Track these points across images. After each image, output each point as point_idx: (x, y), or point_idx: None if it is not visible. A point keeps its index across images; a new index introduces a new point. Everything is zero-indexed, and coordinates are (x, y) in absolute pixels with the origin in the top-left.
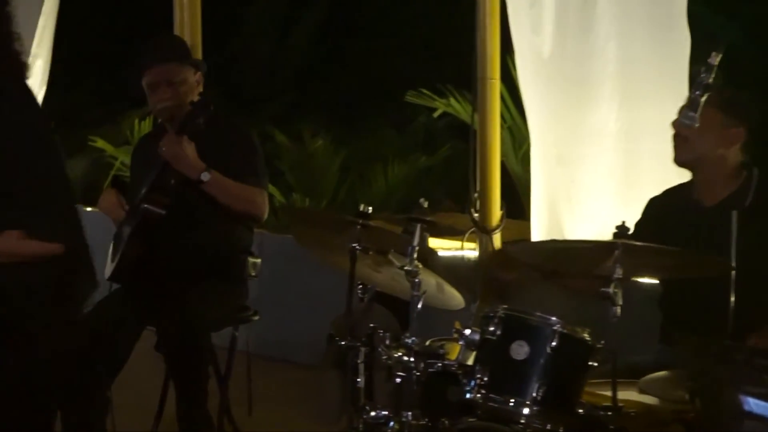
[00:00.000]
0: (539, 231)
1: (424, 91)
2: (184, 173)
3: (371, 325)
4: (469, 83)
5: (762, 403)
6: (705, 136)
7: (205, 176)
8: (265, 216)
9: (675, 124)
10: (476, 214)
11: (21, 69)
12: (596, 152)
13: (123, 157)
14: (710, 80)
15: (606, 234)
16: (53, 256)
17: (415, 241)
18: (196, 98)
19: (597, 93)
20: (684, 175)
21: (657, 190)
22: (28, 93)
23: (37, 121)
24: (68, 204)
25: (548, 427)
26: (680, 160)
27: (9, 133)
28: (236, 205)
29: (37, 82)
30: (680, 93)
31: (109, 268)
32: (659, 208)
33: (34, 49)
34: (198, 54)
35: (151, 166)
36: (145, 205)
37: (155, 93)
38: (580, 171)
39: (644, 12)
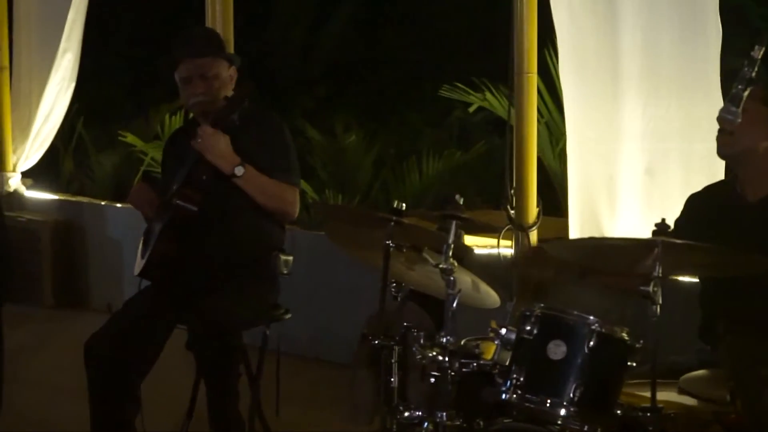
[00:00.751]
0: (576, 228)
1: (459, 85)
2: (217, 166)
3: (405, 324)
4: (505, 77)
5: None
6: (750, 129)
7: (239, 170)
8: (297, 213)
9: (718, 119)
10: (512, 211)
11: None
12: (629, 149)
13: (153, 153)
14: (753, 74)
15: (642, 232)
16: None
17: (450, 239)
18: (230, 93)
19: (626, 90)
20: (710, 175)
21: (683, 190)
22: None
23: None
24: None
25: (585, 428)
26: (723, 154)
27: None
28: (268, 201)
29: (67, 76)
30: (709, 92)
31: (138, 265)
32: (700, 205)
33: (63, 43)
34: (231, 47)
35: (182, 161)
36: (177, 201)
37: (188, 87)
38: (617, 168)
39: (672, 9)
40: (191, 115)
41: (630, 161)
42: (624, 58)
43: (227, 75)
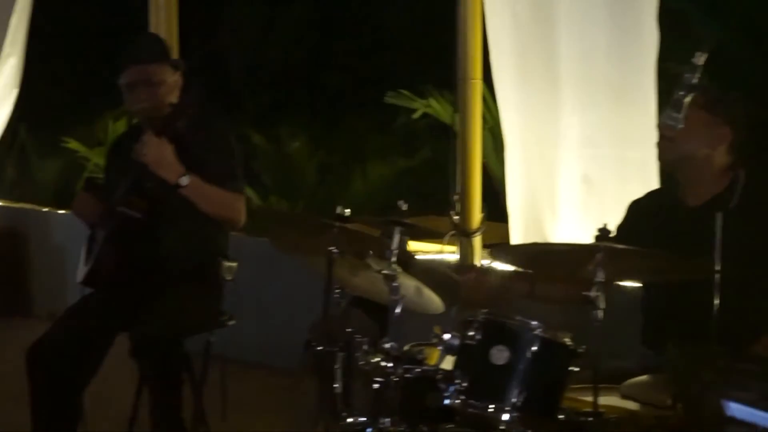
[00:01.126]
0: (519, 234)
1: (404, 91)
2: (162, 177)
3: (349, 329)
4: (450, 83)
5: (745, 408)
6: (690, 136)
7: (184, 180)
8: (243, 221)
9: (659, 125)
10: (456, 217)
11: None
12: (566, 156)
13: (96, 159)
14: (695, 81)
15: (581, 238)
16: None
17: (394, 245)
18: (175, 99)
19: (564, 97)
20: (644, 182)
21: (619, 197)
22: None
23: None
24: None
25: None
26: (665, 160)
27: None
28: (214, 210)
29: (10, 82)
30: (644, 100)
31: (81, 272)
32: (642, 211)
33: (6, 49)
34: (175, 54)
35: (126, 167)
36: (122, 208)
37: (133, 93)
38: (555, 174)
39: (608, 17)
40: (135, 120)
41: (567, 168)
42: (561, 65)
43: (172, 81)
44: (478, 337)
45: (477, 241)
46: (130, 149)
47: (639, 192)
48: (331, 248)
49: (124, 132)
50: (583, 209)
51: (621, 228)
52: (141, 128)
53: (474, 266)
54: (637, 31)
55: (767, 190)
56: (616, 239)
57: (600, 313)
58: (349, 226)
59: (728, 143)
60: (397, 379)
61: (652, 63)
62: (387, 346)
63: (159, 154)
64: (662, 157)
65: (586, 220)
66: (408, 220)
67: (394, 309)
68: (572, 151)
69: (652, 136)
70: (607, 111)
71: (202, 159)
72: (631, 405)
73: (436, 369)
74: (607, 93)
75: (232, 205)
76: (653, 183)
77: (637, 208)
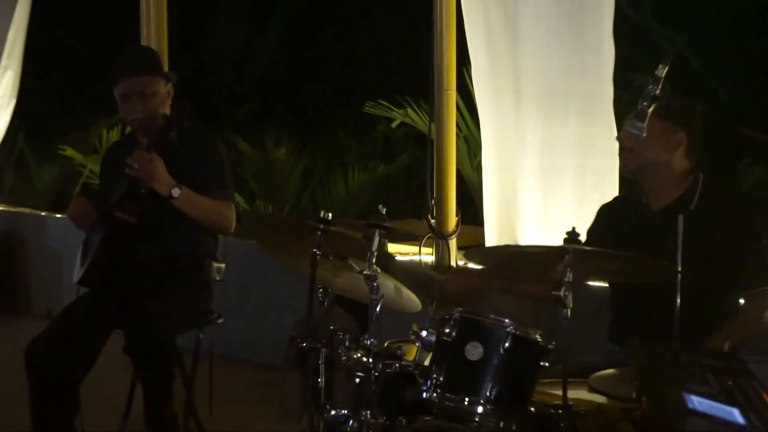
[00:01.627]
0: (492, 237)
1: (383, 102)
2: (155, 189)
3: (331, 327)
4: (426, 94)
5: (705, 401)
6: (648, 144)
7: (176, 192)
8: (233, 228)
9: (622, 134)
10: (433, 221)
11: None
12: (531, 164)
13: (92, 165)
14: (657, 92)
15: (544, 242)
16: None
17: (374, 247)
18: (167, 109)
19: (528, 108)
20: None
21: (579, 203)
22: None
23: None
24: None
25: (501, 425)
26: (627, 170)
27: None
28: (204, 218)
29: (8, 93)
30: (602, 112)
31: (78, 272)
32: (610, 215)
33: (4, 61)
34: (165, 66)
35: (120, 173)
36: (117, 213)
37: (127, 104)
38: (520, 181)
39: (569, 34)
40: (128, 129)
41: (531, 175)
42: (526, 78)
43: (164, 92)
44: (454, 334)
45: (452, 243)
46: (123, 156)
47: (600, 199)
48: (314, 250)
49: (118, 140)
50: (547, 215)
51: (591, 232)
52: (135, 136)
53: (452, 267)
54: (595, 49)
55: (724, 192)
56: (587, 243)
57: (569, 312)
58: (331, 228)
59: (684, 146)
60: (377, 373)
61: (609, 79)
62: (367, 342)
63: (150, 169)
64: (626, 168)
65: (551, 225)
66: (387, 224)
67: (374, 307)
68: (537, 160)
69: (612, 145)
70: (568, 123)
71: (193, 168)
72: (599, 398)
73: (414, 364)
74: (567, 106)
75: (222, 213)
76: (614, 190)
77: (605, 213)
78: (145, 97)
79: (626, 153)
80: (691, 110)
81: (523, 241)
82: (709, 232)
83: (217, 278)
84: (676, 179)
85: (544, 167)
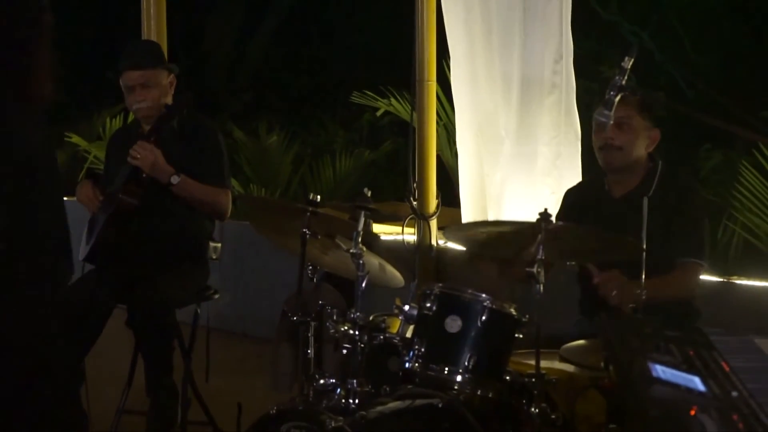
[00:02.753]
0: (468, 218)
1: (368, 92)
2: (155, 177)
3: (320, 302)
4: (408, 85)
5: (668, 369)
6: (636, 142)
7: (175, 179)
8: (229, 214)
9: (612, 133)
10: (415, 203)
11: None
12: (506, 150)
13: (96, 151)
14: (623, 82)
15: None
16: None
17: (360, 227)
18: (169, 99)
19: (503, 98)
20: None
21: (549, 187)
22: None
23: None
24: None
25: (479, 392)
26: (612, 167)
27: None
28: (202, 205)
29: None
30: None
31: (83, 250)
32: (574, 199)
33: None
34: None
35: (124, 158)
36: (121, 195)
37: (131, 95)
38: (496, 166)
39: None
40: (131, 117)
41: (506, 161)
42: (503, 71)
43: (167, 83)
44: (434, 308)
45: (433, 223)
46: (127, 142)
47: (566, 182)
48: (304, 230)
49: (123, 126)
50: (517, 199)
51: (559, 215)
52: (138, 124)
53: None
54: (556, 46)
55: (682, 179)
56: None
57: (541, 287)
58: (320, 210)
59: (657, 143)
60: (363, 345)
61: (570, 74)
62: (354, 316)
63: (150, 159)
64: (611, 165)
65: (521, 209)
66: (372, 206)
67: (360, 284)
68: (509, 146)
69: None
70: (539, 112)
71: (193, 158)
72: (569, 367)
73: (398, 337)
74: (536, 94)
75: (219, 199)
76: (578, 175)
77: (570, 197)
78: (148, 88)
79: (614, 152)
80: (662, 106)
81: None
82: (664, 213)
83: (214, 257)
84: (637, 167)
85: (518, 153)
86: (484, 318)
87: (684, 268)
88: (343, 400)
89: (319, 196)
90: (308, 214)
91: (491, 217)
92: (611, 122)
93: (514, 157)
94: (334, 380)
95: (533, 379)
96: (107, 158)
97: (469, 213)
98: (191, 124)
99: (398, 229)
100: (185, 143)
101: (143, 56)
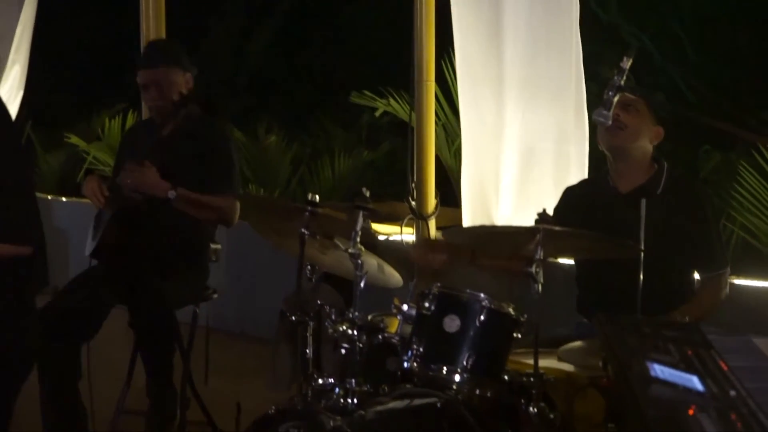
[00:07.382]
0: (469, 217)
1: (367, 92)
2: (152, 195)
3: (319, 302)
4: (407, 85)
5: (666, 369)
6: (641, 126)
7: (172, 194)
8: (235, 220)
9: (619, 111)
10: (413, 202)
11: None
12: (510, 149)
13: (94, 152)
14: (622, 82)
15: (521, 221)
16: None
17: (358, 227)
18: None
19: (509, 96)
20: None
21: (555, 185)
22: None
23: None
24: (34, 205)
25: (477, 392)
26: (611, 145)
27: None
28: (204, 215)
29: (15, 85)
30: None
31: (90, 246)
32: (576, 196)
33: (12, 56)
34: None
35: (136, 152)
36: (127, 192)
37: (146, 93)
38: (500, 165)
39: (547, 29)
40: (130, 118)
41: (511, 159)
42: (507, 68)
43: (182, 81)
44: (433, 307)
45: (432, 223)
46: (141, 137)
47: (573, 181)
48: (303, 230)
49: (140, 121)
50: (523, 196)
51: (557, 210)
52: (153, 120)
53: (425, 239)
54: (566, 44)
55: (688, 180)
56: (553, 220)
57: (539, 287)
58: (318, 210)
59: (660, 140)
60: (361, 345)
61: (579, 70)
62: (352, 316)
63: (143, 180)
64: (610, 143)
65: (526, 206)
66: (371, 206)
67: (359, 283)
68: (515, 144)
69: (585, 132)
70: (545, 110)
71: (200, 159)
72: (568, 367)
73: (397, 336)
74: (546, 95)
75: (222, 208)
76: (585, 174)
77: (571, 194)
78: (161, 86)
79: (619, 131)
80: (662, 107)
81: (501, 222)
82: (673, 216)
83: (214, 259)
84: (644, 165)
85: (522, 152)
86: (482, 317)
87: (713, 283)
88: (342, 400)
89: (317, 196)
90: (307, 214)
91: (495, 217)
92: (609, 122)
93: (523, 155)
94: (332, 380)
95: (532, 379)
96: (120, 150)
97: (470, 213)
98: (201, 128)
99: (397, 229)
100: (193, 147)
101: (156, 56)
